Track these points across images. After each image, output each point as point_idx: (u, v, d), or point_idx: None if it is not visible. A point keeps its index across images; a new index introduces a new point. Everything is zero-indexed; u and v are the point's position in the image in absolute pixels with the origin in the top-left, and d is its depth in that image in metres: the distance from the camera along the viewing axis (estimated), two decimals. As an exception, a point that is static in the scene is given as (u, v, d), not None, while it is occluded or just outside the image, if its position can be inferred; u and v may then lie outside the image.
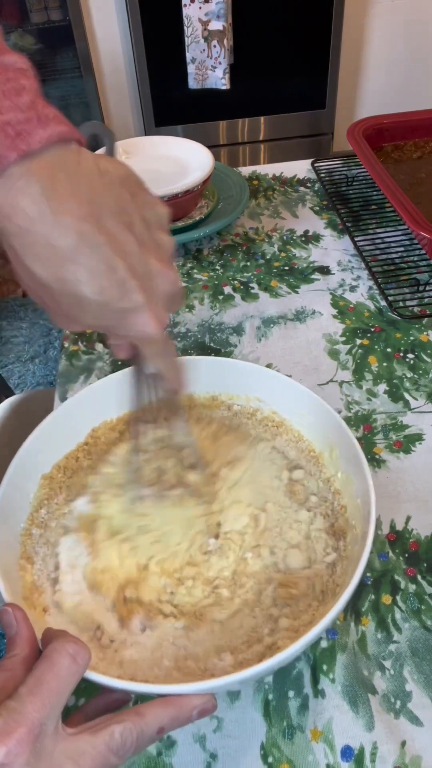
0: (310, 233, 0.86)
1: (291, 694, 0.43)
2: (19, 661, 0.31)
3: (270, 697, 0.43)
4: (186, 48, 1.94)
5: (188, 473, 0.47)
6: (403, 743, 0.40)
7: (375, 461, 0.57)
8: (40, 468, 0.49)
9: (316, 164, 0.98)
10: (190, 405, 0.55)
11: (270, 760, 0.40)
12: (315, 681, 0.43)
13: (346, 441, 0.45)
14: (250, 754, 0.40)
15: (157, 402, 0.44)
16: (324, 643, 0.45)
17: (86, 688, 0.42)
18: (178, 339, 0.71)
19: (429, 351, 0.67)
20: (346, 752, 0.40)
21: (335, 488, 0.48)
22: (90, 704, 0.36)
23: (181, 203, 0.81)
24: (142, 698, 0.40)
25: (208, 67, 1.98)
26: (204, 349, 0.69)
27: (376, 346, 0.68)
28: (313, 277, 0.78)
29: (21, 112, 0.30)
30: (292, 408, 0.52)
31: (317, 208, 0.91)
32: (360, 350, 0.68)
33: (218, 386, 0.55)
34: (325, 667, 0.44)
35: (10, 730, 0.27)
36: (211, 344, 0.70)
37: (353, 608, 0.47)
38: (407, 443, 0.58)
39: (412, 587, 0.48)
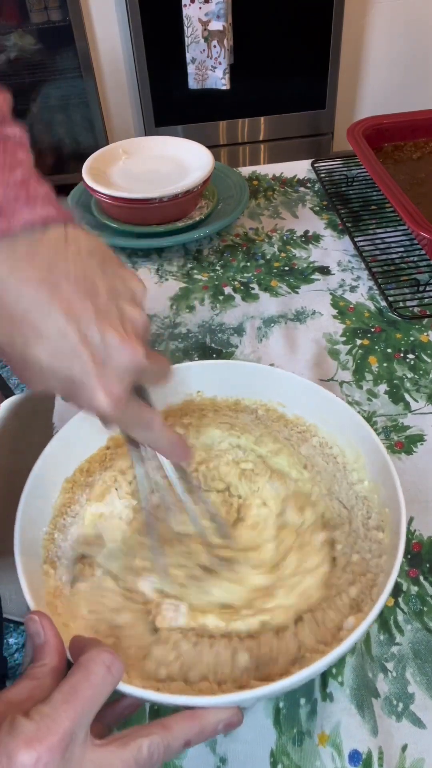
0: (310, 233, 0.86)
1: (302, 702, 0.42)
2: (48, 671, 0.31)
3: (281, 705, 0.42)
4: (186, 48, 1.94)
5: (218, 549, 0.44)
6: (404, 747, 0.40)
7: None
8: (63, 472, 0.48)
9: (316, 164, 0.98)
10: (215, 408, 0.54)
11: (279, 767, 0.40)
12: (324, 684, 0.43)
13: (374, 449, 0.45)
14: (260, 759, 0.40)
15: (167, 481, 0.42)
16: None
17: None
18: (179, 340, 0.70)
19: (429, 351, 0.67)
20: (354, 757, 0.40)
21: (362, 496, 0.47)
22: (106, 710, 0.35)
23: (181, 203, 0.81)
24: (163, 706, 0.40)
25: (208, 67, 1.97)
26: (205, 350, 0.69)
27: (376, 347, 0.68)
28: (313, 277, 0.78)
29: (11, 189, 0.32)
30: (316, 413, 0.51)
31: (317, 208, 0.90)
32: (360, 350, 0.68)
33: (241, 390, 0.54)
34: (334, 670, 0.44)
35: (41, 737, 0.27)
36: (212, 345, 0.70)
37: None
38: (408, 444, 0.58)
39: (414, 589, 0.48)
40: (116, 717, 0.36)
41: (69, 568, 0.44)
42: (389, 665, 0.44)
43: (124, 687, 0.32)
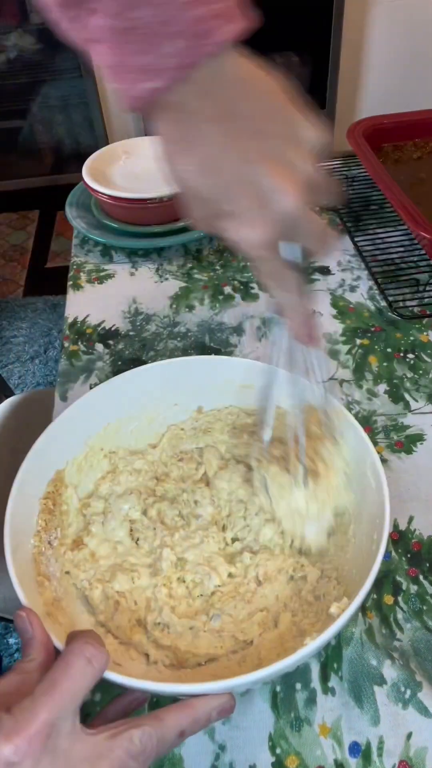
0: (311, 233, 0.86)
1: (298, 686, 0.43)
2: (36, 665, 0.32)
3: (278, 689, 0.43)
4: (186, 48, 1.93)
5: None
6: (409, 735, 0.40)
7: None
8: (47, 474, 0.47)
9: (316, 164, 0.98)
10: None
11: (278, 751, 0.40)
12: (325, 678, 0.43)
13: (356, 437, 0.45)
14: (259, 745, 0.40)
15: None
16: (333, 641, 0.45)
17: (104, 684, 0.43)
18: (178, 338, 0.70)
19: (429, 351, 0.67)
20: (354, 748, 0.40)
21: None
22: (110, 707, 0.36)
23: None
24: (163, 699, 0.40)
25: (208, 67, 1.97)
26: (204, 349, 0.69)
27: (376, 346, 0.68)
28: (313, 277, 0.78)
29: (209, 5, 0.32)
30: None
31: (317, 208, 0.90)
32: (360, 350, 0.68)
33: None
34: (335, 665, 0.44)
35: (19, 729, 0.27)
36: (211, 344, 0.70)
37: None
38: (408, 443, 0.58)
39: (414, 588, 0.48)
40: (119, 714, 0.36)
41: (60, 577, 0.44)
42: (395, 654, 0.44)
43: (110, 675, 0.32)
